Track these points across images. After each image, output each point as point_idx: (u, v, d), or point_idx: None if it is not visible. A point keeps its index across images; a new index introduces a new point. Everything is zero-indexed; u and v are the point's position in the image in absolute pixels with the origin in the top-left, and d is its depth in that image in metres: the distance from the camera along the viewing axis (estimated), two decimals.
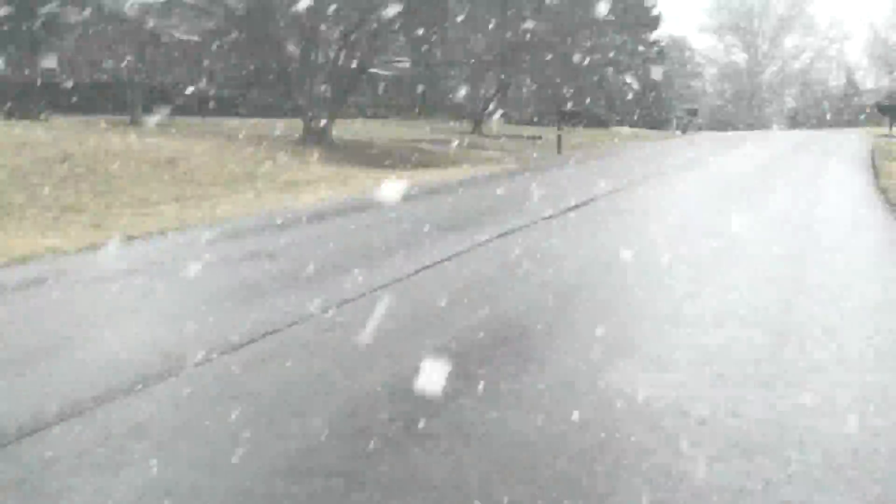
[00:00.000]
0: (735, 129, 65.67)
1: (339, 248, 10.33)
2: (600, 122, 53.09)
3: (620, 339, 6.10)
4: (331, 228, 12.42)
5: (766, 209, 14.02)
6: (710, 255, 9.70)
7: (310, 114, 27.86)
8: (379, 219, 13.30)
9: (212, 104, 32.93)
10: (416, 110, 46.98)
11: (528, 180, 19.39)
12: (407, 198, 16.04)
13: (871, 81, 74.68)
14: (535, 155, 30.46)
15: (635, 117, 60.79)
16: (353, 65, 27.65)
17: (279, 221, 12.63)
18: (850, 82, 76.35)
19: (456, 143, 33.47)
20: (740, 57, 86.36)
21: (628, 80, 65.18)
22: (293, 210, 14.55)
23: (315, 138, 27.51)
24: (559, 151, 30.61)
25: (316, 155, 25.15)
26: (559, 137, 30.61)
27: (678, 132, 52.04)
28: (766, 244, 10.51)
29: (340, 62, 27.20)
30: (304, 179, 20.86)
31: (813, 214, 13.33)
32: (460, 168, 25.04)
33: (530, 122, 49.17)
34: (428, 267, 8.92)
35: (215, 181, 19.64)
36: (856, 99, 73.08)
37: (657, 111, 66.99)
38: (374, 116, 43.14)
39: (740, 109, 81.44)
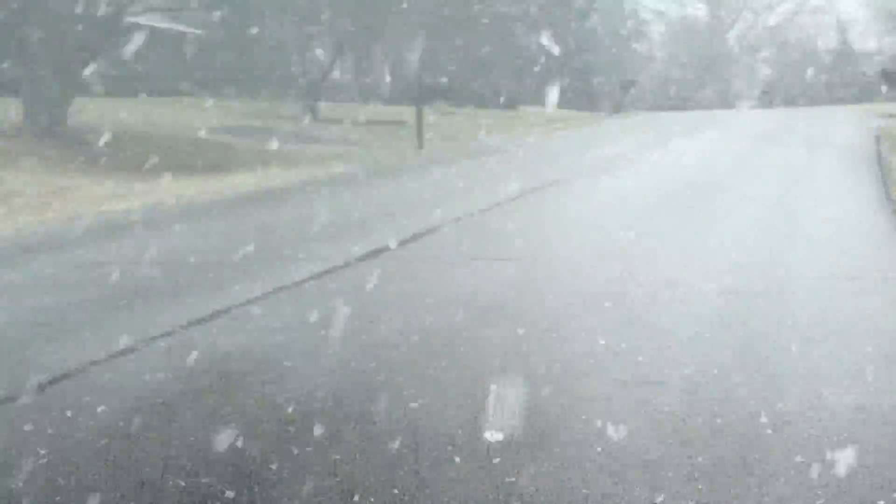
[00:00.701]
0: (690, 108, 64.65)
1: None
2: (506, 101, 51.19)
3: None
4: None
5: (710, 257, 11.20)
6: (593, 360, 6.83)
7: (34, 91, 24.43)
8: (43, 274, 10.64)
9: None
10: (237, 87, 44.51)
11: (350, 195, 17.42)
12: (128, 230, 13.90)
13: (871, 41, 74.25)
14: (384, 152, 28.33)
15: (555, 94, 59.25)
16: (102, 11, 24.32)
17: None
18: (844, 43, 76.05)
19: (276, 133, 31.67)
20: (698, 9, 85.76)
21: (544, 41, 63.95)
22: None
23: (42, 129, 24.15)
24: (420, 146, 28.26)
25: (34, 156, 22.11)
26: (420, 126, 28.20)
27: (612, 113, 50.30)
28: (699, 336, 7.60)
29: (80, 8, 23.80)
30: None
31: (790, 269, 10.54)
32: (262, 173, 22.80)
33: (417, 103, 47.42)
34: None
35: None
36: (852, 66, 72.80)
37: (585, 84, 65.80)
38: (171, 94, 40.80)
39: (699, 81, 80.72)
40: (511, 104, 50.68)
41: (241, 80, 44.45)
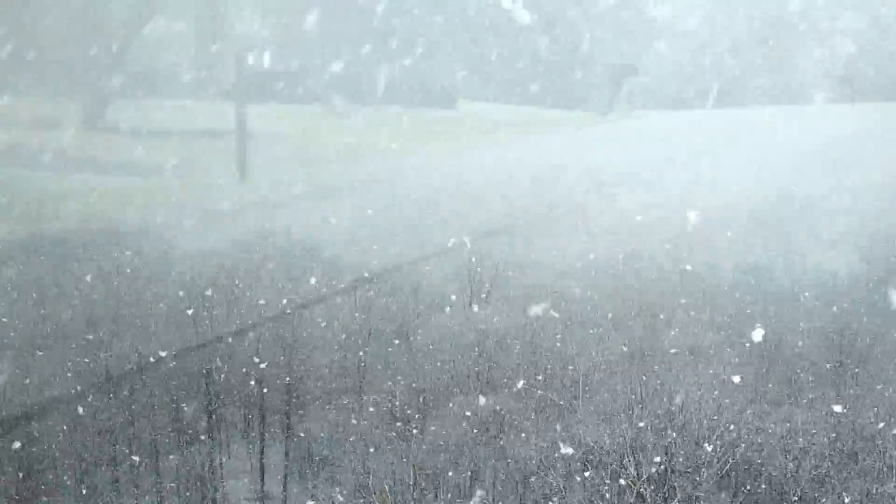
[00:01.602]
0: (733, 104, 63.19)
1: None
2: (436, 97, 49.66)
3: None
4: None
5: None
6: None
7: None
8: None
9: None
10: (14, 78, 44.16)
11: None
12: None
13: None
14: (183, 184, 25.06)
15: (523, 83, 58.46)
16: None
17: None
18: None
19: (22, 153, 29.88)
20: None
21: (508, 4, 64.54)
22: None
23: None
24: (243, 175, 24.86)
25: None
26: (241, 143, 24.65)
27: (604, 113, 47.57)
28: None
29: None
30: None
31: None
32: None
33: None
34: None
35: None
36: None
37: (573, 70, 65.35)
38: None
39: (750, 65, 79.01)
40: (446, 101, 48.90)
41: (15, 68, 43.73)
